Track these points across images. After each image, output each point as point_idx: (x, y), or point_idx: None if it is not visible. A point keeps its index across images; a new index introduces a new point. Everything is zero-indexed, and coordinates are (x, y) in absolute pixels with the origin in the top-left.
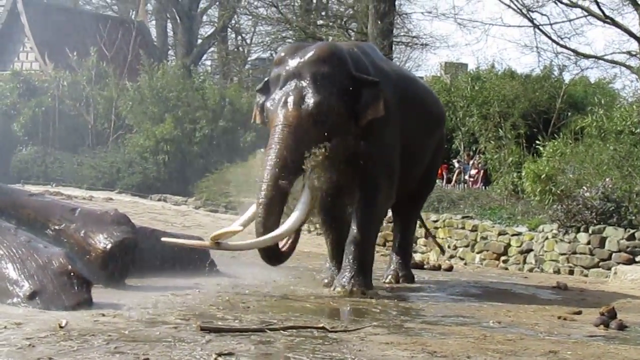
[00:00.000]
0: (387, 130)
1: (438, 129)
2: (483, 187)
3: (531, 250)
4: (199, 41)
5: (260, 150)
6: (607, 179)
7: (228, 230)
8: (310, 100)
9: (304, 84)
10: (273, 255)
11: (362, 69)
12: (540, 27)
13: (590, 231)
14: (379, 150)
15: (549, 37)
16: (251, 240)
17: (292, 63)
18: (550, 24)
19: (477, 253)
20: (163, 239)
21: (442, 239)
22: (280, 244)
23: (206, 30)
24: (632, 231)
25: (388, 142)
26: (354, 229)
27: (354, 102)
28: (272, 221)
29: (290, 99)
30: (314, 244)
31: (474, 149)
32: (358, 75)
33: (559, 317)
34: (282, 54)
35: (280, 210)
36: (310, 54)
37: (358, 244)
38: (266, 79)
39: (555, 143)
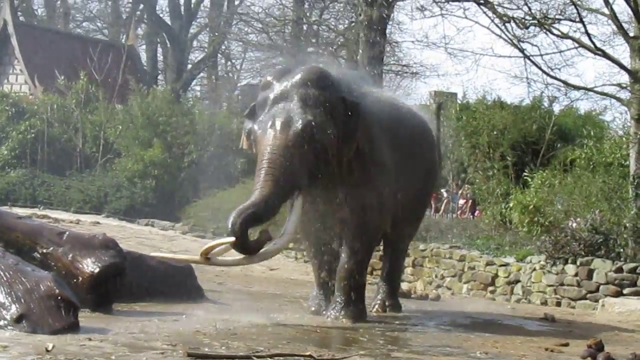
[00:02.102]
0: (376, 156)
1: (426, 155)
2: (471, 217)
3: (519, 281)
4: (189, 66)
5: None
6: (596, 211)
7: (218, 242)
8: (298, 121)
9: (291, 105)
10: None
11: (350, 93)
12: (531, 57)
13: (578, 263)
14: (369, 177)
15: (539, 68)
16: (239, 257)
17: (280, 86)
18: (541, 55)
19: (465, 283)
20: (153, 253)
21: (430, 268)
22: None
23: (196, 56)
24: (620, 263)
25: (378, 168)
26: (344, 257)
27: (342, 124)
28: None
29: (278, 121)
30: (302, 271)
31: (463, 178)
32: (345, 98)
33: (546, 349)
34: (269, 78)
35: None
36: (297, 76)
37: (349, 272)
38: (253, 104)
39: (544, 174)
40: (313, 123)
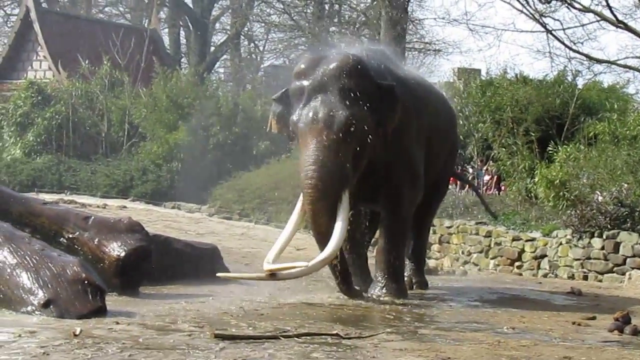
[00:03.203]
0: (407, 136)
1: (450, 134)
2: (497, 193)
3: (545, 255)
4: (212, 49)
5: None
6: (622, 184)
7: (289, 265)
8: (340, 115)
9: (331, 98)
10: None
11: (381, 76)
12: (553, 32)
13: (604, 236)
14: (401, 157)
15: (562, 42)
16: (303, 268)
17: (315, 76)
18: (563, 29)
19: (491, 259)
20: (219, 274)
21: (456, 244)
22: None
23: (219, 38)
24: None
25: (410, 148)
26: (383, 238)
27: (378, 110)
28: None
29: (321, 115)
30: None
31: (487, 154)
32: (380, 83)
33: (573, 323)
34: (303, 67)
35: (332, 227)
36: (333, 66)
37: (389, 252)
38: (284, 90)
39: (568, 148)
40: (355, 116)
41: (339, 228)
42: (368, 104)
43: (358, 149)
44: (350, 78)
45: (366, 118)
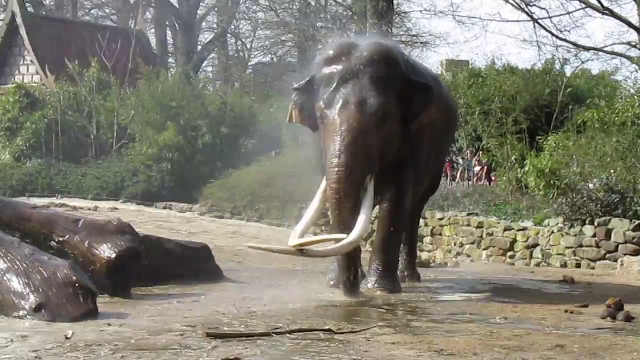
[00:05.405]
0: (428, 134)
1: (454, 128)
2: (488, 184)
3: (537, 245)
4: (199, 48)
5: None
6: (611, 171)
7: (316, 239)
8: (373, 102)
9: (363, 85)
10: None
11: (410, 70)
12: (539, 21)
13: (596, 224)
14: (417, 154)
15: (549, 31)
16: (333, 247)
17: (347, 63)
18: (550, 18)
19: (484, 250)
20: (248, 245)
21: (449, 236)
22: None
23: (206, 37)
24: (637, 222)
25: (426, 146)
26: (381, 233)
27: (406, 105)
28: (350, 227)
29: (353, 101)
30: (320, 246)
31: (478, 146)
32: (412, 79)
33: (566, 311)
34: (332, 53)
35: (353, 212)
36: (365, 54)
37: (385, 248)
38: (308, 79)
39: (558, 137)
40: (386, 105)
41: (365, 214)
42: (397, 96)
43: (385, 138)
44: (382, 67)
45: (395, 109)
